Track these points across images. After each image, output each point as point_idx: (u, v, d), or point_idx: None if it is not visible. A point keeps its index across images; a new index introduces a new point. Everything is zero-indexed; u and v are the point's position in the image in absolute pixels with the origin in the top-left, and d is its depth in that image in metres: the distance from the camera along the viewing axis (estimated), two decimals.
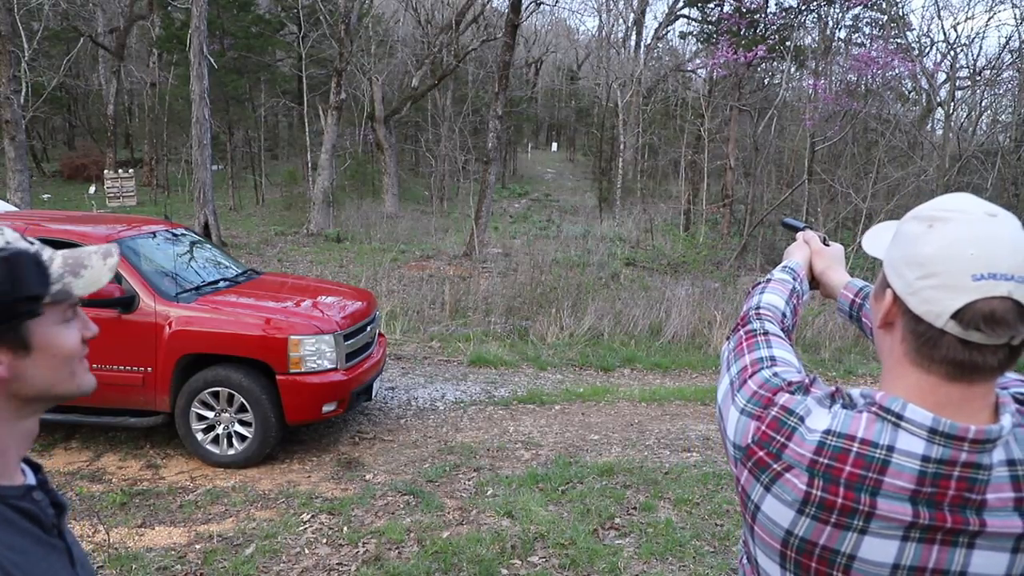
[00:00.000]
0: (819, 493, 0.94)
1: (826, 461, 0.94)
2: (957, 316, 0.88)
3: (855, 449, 0.94)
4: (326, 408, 4.83)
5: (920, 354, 0.93)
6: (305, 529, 4.00)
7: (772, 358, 1.14)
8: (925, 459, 0.91)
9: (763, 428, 1.02)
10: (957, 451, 0.90)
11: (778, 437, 1.00)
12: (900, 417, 0.93)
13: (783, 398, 1.03)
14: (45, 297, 0.88)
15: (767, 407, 1.04)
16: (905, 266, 0.94)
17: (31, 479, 0.94)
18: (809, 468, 0.95)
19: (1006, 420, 0.92)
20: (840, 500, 0.93)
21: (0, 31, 12.41)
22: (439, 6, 27.24)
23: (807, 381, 1.06)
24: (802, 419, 0.99)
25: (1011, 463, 0.92)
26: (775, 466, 0.98)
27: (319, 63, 24.66)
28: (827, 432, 0.96)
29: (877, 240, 1.13)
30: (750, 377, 1.11)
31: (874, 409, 0.96)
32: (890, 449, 0.92)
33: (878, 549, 0.92)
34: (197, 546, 3.81)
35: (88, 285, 0.94)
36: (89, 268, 0.94)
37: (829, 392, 1.02)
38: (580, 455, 5.16)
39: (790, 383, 1.06)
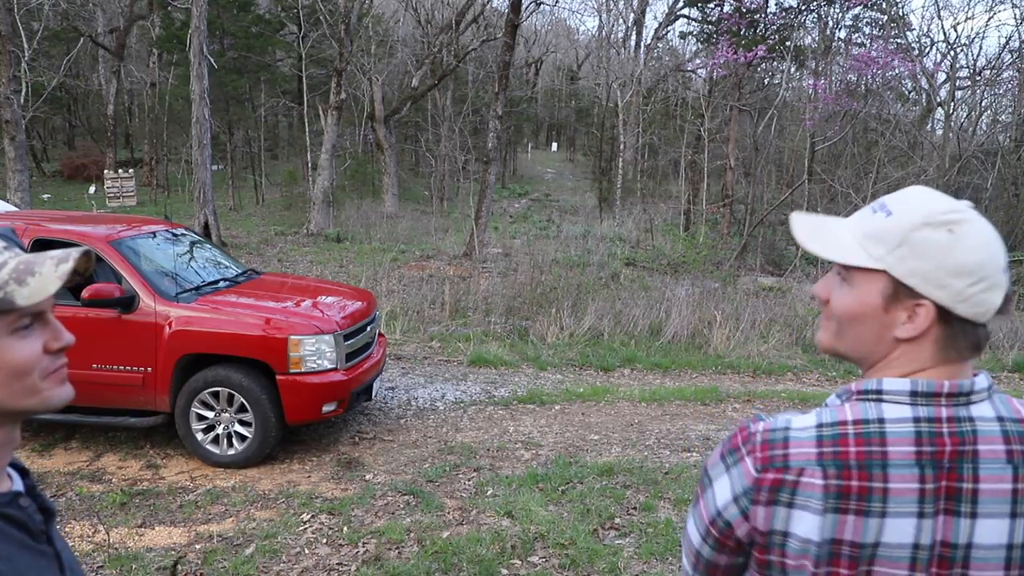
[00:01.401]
0: (834, 482, 0.95)
1: (830, 449, 0.96)
2: (1000, 309, 0.96)
3: (851, 430, 0.97)
4: (326, 408, 4.83)
5: (949, 349, 0.98)
6: (305, 529, 3.99)
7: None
8: (916, 420, 0.96)
9: (758, 455, 1.00)
10: (938, 407, 0.97)
11: (777, 451, 0.99)
12: (879, 392, 0.99)
13: (757, 426, 1.03)
14: None
15: (747, 441, 1.03)
16: (949, 276, 0.94)
17: (18, 484, 0.92)
18: (819, 461, 0.96)
19: (981, 378, 1.00)
20: (855, 483, 0.94)
21: (0, 31, 12.42)
22: (439, 6, 27.25)
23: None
24: (787, 427, 1.00)
25: (1000, 419, 0.98)
26: (789, 477, 0.97)
27: (319, 63, 24.66)
28: (819, 425, 0.99)
29: (832, 239, 1.04)
30: (713, 455, 1.10)
31: (854, 397, 1.01)
32: (881, 421, 0.97)
33: (899, 530, 0.94)
34: (197, 546, 3.81)
35: (32, 294, 0.86)
36: (37, 276, 0.87)
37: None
38: (580, 455, 5.16)
39: (746, 424, 1.07)
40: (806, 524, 0.96)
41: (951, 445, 0.95)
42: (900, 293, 0.98)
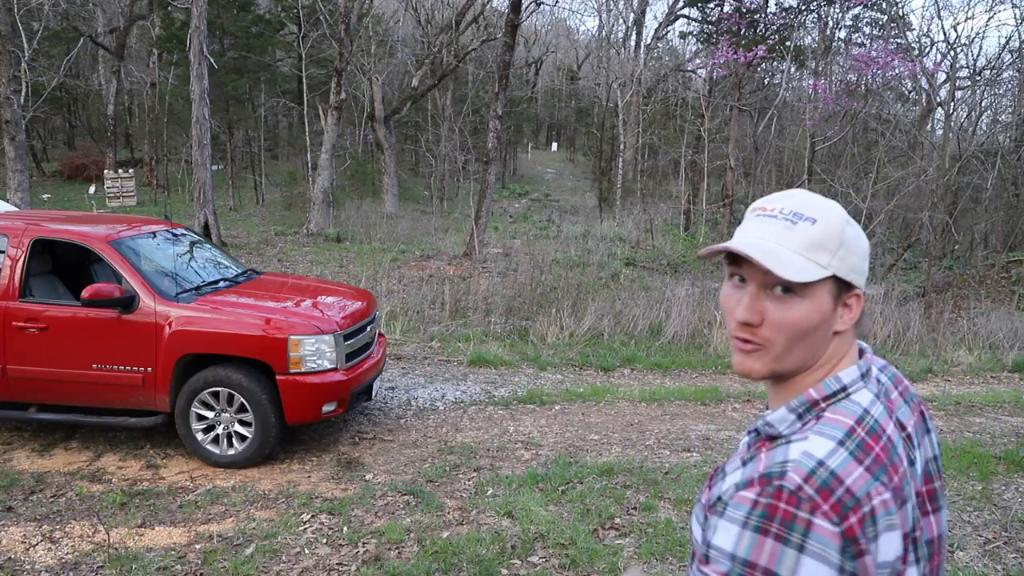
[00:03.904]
0: (892, 484, 0.94)
1: (869, 459, 0.94)
2: None
3: (863, 432, 0.97)
4: (326, 408, 4.83)
5: (861, 325, 1.07)
6: (305, 529, 3.99)
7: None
8: (876, 396, 1.04)
9: (826, 508, 0.89)
10: (871, 380, 1.06)
11: (839, 491, 0.91)
12: (844, 388, 1.02)
13: (792, 480, 0.92)
14: None
15: (800, 503, 0.89)
16: (861, 259, 1.04)
17: None
18: (875, 476, 0.93)
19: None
20: (898, 477, 0.96)
21: (0, 31, 12.42)
22: (439, 6, 27.25)
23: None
24: (820, 462, 0.93)
25: (881, 369, 1.13)
26: (867, 508, 0.91)
27: (319, 63, 24.66)
28: (841, 443, 0.94)
29: (786, 260, 0.99)
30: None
31: (823, 405, 1.01)
32: (867, 411, 1.00)
33: (912, 502, 0.98)
34: (197, 546, 3.80)
35: None
36: None
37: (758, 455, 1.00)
38: (580, 455, 5.15)
39: (774, 488, 0.92)
40: (895, 542, 0.92)
41: (892, 404, 1.05)
42: (840, 290, 1.03)
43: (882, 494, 0.92)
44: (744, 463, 1.01)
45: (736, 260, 1.04)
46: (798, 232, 1.00)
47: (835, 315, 1.02)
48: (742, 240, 1.03)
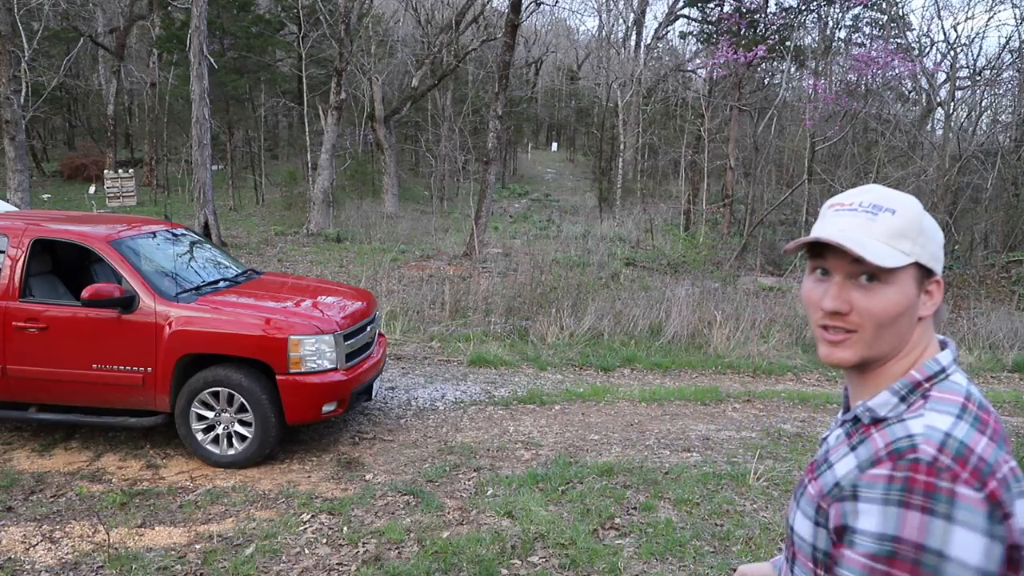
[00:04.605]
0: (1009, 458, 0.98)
1: (991, 429, 0.98)
2: None
3: (974, 408, 1.00)
4: (326, 408, 4.83)
5: (941, 311, 1.10)
6: (305, 529, 3.99)
7: None
8: (968, 378, 1.06)
9: (966, 476, 0.91)
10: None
11: (974, 459, 0.93)
12: (944, 370, 1.05)
13: (927, 452, 0.93)
14: None
15: (940, 473, 0.91)
16: (938, 248, 1.08)
17: None
18: (998, 444, 0.98)
19: None
20: (1010, 458, 0.98)
21: (0, 31, 12.42)
22: (439, 6, 27.24)
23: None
24: (949, 433, 0.95)
25: None
26: (1002, 471, 0.93)
27: (319, 63, 24.67)
28: (959, 418, 0.98)
29: (873, 248, 1.03)
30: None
31: (926, 385, 1.03)
32: (969, 390, 1.02)
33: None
34: (197, 546, 3.80)
35: None
36: None
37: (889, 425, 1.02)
38: (580, 455, 5.15)
39: (910, 462, 0.93)
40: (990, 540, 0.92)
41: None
42: (922, 276, 1.06)
43: (1009, 461, 0.95)
44: (853, 448, 1.03)
45: (819, 253, 1.07)
46: (880, 222, 1.04)
47: (919, 301, 1.06)
48: (828, 232, 1.07)
